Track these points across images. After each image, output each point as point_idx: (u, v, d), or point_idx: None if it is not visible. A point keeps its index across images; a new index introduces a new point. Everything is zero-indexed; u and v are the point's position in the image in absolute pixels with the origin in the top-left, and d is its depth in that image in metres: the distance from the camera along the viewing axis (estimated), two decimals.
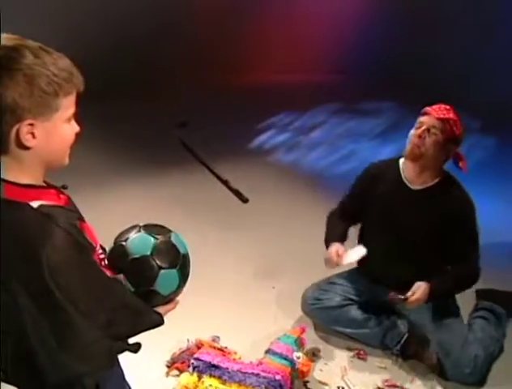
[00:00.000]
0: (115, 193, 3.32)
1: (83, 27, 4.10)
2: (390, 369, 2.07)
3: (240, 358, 2.02)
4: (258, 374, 1.81)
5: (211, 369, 1.84)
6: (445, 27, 4.93)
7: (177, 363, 2.00)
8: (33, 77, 0.92)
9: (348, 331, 2.16)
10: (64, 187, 1.08)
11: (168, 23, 4.58)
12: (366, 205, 2.10)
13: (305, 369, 1.94)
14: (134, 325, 1.10)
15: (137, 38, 4.36)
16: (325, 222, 2.96)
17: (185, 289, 1.19)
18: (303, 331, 2.07)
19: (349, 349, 2.16)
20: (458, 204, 1.98)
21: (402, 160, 2.06)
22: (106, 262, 1.10)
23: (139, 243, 1.13)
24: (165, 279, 1.12)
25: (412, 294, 1.93)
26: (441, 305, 2.07)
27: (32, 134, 0.94)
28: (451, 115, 1.93)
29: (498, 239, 2.84)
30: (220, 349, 2.04)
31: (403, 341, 2.09)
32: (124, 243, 1.14)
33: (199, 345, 2.03)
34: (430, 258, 2.03)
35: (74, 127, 1.03)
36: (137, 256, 1.11)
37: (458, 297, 2.13)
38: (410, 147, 1.95)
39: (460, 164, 1.98)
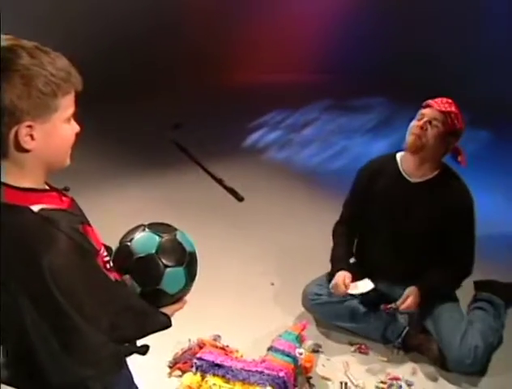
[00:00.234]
0: (112, 195, 3.30)
1: (78, 28, 4.07)
2: (392, 362, 2.08)
3: (242, 356, 2.02)
4: (261, 372, 1.80)
5: (214, 368, 1.82)
6: (431, 24, 4.97)
7: (179, 363, 1.99)
8: (31, 78, 0.90)
9: (349, 325, 2.17)
10: (66, 189, 1.06)
11: (161, 25, 4.57)
12: (367, 202, 2.10)
13: (307, 365, 1.94)
14: (140, 327, 1.09)
15: (131, 41, 4.34)
16: (321, 220, 2.99)
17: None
18: (304, 327, 2.06)
19: (350, 344, 2.16)
20: (458, 196, 2.00)
21: (399, 155, 2.08)
22: (111, 264, 1.09)
23: (144, 242, 1.12)
24: (171, 277, 1.11)
25: (403, 302, 1.99)
26: (441, 297, 2.08)
27: (31, 136, 0.93)
28: (453, 108, 1.96)
29: (496, 231, 2.87)
30: (222, 348, 2.03)
31: (403, 334, 2.10)
32: (129, 243, 1.14)
33: (201, 345, 2.02)
34: (430, 251, 2.04)
35: (75, 127, 1.02)
36: (142, 255, 1.11)
37: None
38: (411, 138, 1.96)
39: (459, 158, 2.01)
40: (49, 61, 0.92)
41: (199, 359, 1.86)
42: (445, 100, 1.97)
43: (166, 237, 1.13)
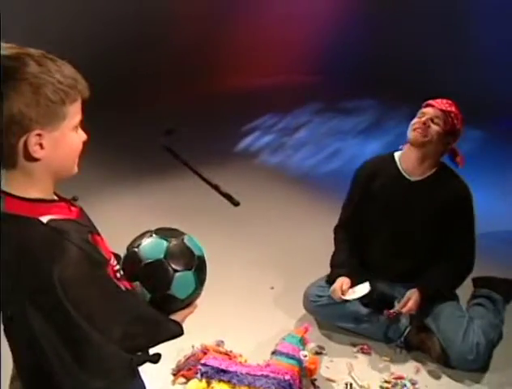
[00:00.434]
0: (108, 202, 3.29)
1: (65, 37, 4.04)
2: (395, 361, 2.09)
3: (246, 361, 2.02)
4: (267, 376, 1.80)
5: (219, 373, 1.82)
6: (421, 26, 5.01)
7: (183, 370, 1.98)
8: (39, 86, 0.89)
9: (351, 326, 2.17)
10: (74, 199, 1.05)
11: (151, 31, 4.56)
12: (367, 202, 2.12)
13: (312, 367, 1.94)
14: (151, 337, 1.09)
15: (122, 48, 4.33)
16: (317, 222, 3.00)
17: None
18: (307, 330, 2.06)
19: (353, 345, 2.17)
20: (458, 191, 2.03)
21: (397, 154, 2.10)
22: (122, 272, 1.08)
23: (152, 248, 1.11)
24: (181, 282, 1.10)
25: (404, 305, 2.01)
26: (442, 296, 2.09)
27: (40, 145, 0.91)
28: (453, 109, 2.01)
29: (492, 229, 2.89)
30: (226, 353, 2.03)
31: (406, 333, 2.11)
32: (136, 249, 1.13)
33: (205, 350, 2.01)
34: (430, 249, 2.06)
35: (81, 135, 1.01)
36: (150, 261, 1.10)
37: None
38: (414, 133, 2.00)
39: (457, 159, 2.05)
40: (56, 68, 0.92)
41: (204, 365, 1.85)
42: (445, 100, 2.02)
43: (174, 241, 1.13)
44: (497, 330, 2.15)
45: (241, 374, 1.82)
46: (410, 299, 2.02)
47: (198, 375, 1.84)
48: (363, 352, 2.13)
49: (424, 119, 1.98)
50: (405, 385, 1.96)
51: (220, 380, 1.81)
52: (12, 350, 0.96)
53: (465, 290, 2.28)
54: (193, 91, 5.00)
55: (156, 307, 1.11)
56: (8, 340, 0.96)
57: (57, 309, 0.90)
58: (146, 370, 1.20)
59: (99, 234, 1.05)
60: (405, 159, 2.07)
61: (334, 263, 2.18)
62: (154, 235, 1.14)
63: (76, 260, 0.92)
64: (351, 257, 2.16)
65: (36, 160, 0.93)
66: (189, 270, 1.12)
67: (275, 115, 4.82)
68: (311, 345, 2.08)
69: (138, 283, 1.08)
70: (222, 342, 2.12)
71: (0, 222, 0.91)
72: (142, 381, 1.17)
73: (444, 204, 2.01)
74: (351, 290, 2.06)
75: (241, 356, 2.05)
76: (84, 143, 1.02)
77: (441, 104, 2.00)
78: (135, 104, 4.49)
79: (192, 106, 4.86)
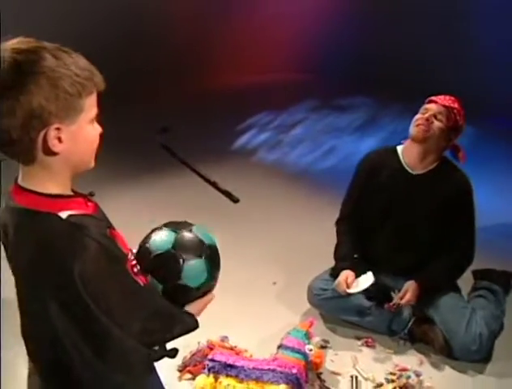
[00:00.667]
0: (106, 200, 3.25)
1: (57, 35, 4.01)
2: (399, 353, 2.11)
3: (251, 356, 2.02)
4: (274, 370, 1.81)
5: (226, 368, 1.82)
6: (416, 23, 5.03)
7: (189, 366, 1.98)
8: (57, 79, 0.88)
9: (356, 319, 2.19)
10: (91, 194, 1.05)
11: (145, 29, 4.55)
12: (369, 195, 2.13)
13: (317, 360, 1.96)
14: (168, 331, 1.09)
15: (115, 46, 4.30)
16: (317, 217, 3.02)
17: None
18: (312, 324, 2.07)
19: (357, 338, 2.18)
20: (460, 185, 2.06)
21: (400, 148, 2.12)
22: (138, 267, 1.08)
23: (161, 239, 1.12)
24: (192, 270, 1.10)
25: (403, 296, 2.03)
26: (443, 288, 2.12)
27: (59, 138, 0.91)
28: (456, 105, 2.03)
29: (490, 222, 2.92)
30: (231, 349, 2.03)
31: (409, 325, 2.13)
32: (148, 244, 1.13)
33: (211, 346, 2.01)
34: (432, 242, 2.08)
35: (97, 128, 1.01)
36: (159, 252, 1.10)
37: None
38: (416, 129, 2.02)
39: (460, 154, 2.07)
40: (72, 61, 0.91)
41: (211, 360, 1.85)
42: (448, 96, 2.05)
43: (182, 232, 1.13)
44: (499, 321, 2.17)
45: (249, 368, 1.82)
46: (407, 290, 2.04)
47: (206, 370, 1.84)
48: (367, 345, 2.15)
49: (427, 115, 2.00)
50: (409, 376, 1.98)
51: (228, 375, 1.81)
52: (27, 346, 0.96)
53: (465, 282, 2.30)
54: (189, 90, 4.99)
55: (169, 298, 1.10)
56: (23, 336, 0.95)
57: (77, 304, 0.89)
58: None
59: (115, 229, 1.05)
60: (407, 153, 2.09)
61: (337, 257, 2.19)
62: (164, 228, 1.15)
63: (96, 255, 0.91)
64: (353, 249, 2.17)
65: (54, 154, 0.92)
66: (200, 258, 1.11)
67: (271, 112, 4.83)
68: (316, 339, 2.09)
69: (149, 276, 1.08)
70: (226, 338, 2.13)
71: (20, 218, 0.90)
72: (158, 377, 1.17)
73: (446, 197, 2.03)
74: (354, 283, 2.08)
75: (246, 351, 2.06)
76: (101, 137, 1.02)
77: (444, 100, 2.02)
78: (131, 103, 4.47)
79: (188, 104, 4.86)
